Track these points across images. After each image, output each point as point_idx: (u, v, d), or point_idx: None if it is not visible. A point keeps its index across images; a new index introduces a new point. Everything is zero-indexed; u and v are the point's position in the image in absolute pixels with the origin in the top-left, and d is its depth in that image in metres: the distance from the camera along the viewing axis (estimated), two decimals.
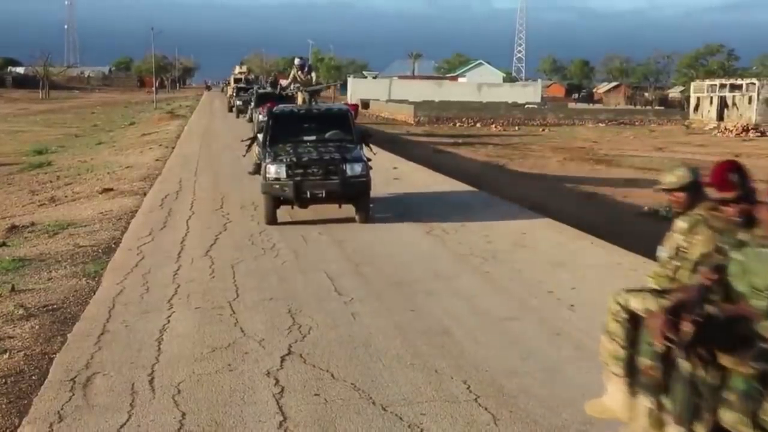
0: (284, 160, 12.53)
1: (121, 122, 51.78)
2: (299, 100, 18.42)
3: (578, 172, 25.70)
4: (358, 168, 12.62)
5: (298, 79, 19.36)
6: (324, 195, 12.51)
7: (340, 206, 13.06)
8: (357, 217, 12.85)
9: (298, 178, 12.38)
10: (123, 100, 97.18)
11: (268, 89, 34.80)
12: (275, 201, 12.65)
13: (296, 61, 19.87)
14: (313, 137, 13.51)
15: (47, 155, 30.21)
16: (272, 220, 12.73)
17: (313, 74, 19.98)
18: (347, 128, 13.82)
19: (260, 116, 24.51)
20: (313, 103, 16.41)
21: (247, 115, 36.54)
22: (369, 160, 13.43)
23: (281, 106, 15.21)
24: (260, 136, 14.01)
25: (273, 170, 12.46)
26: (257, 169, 14.22)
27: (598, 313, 6.02)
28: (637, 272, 8.86)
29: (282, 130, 13.56)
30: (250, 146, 15.68)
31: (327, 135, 13.61)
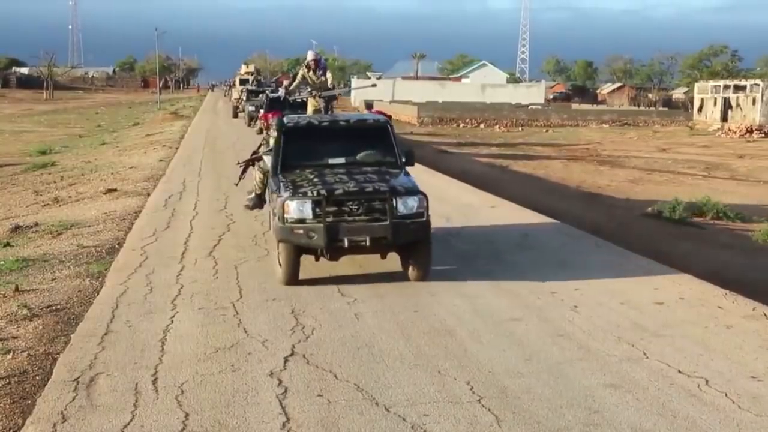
0: (309, 193, 8.94)
1: (124, 122, 51.84)
2: (309, 109, 14.11)
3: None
4: (413, 203, 9.01)
5: (309, 80, 14.58)
6: (368, 243, 8.87)
7: (384, 256, 9.56)
8: (410, 273, 9.26)
9: (331, 219, 8.84)
10: (127, 100, 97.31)
11: (281, 93, 30.90)
12: (297, 251, 9.07)
13: (309, 54, 15.10)
14: (342, 159, 9.92)
15: (51, 155, 30.25)
16: (293, 278, 9.08)
17: (329, 75, 14.87)
18: (388, 146, 10.16)
19: (261, 125, 21.58)
20: (330, 113, 13.16)
21: (257, 124, 29.99)
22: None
23: (293, 116, 11.05)
24: (267, 159, 10.41)
25: (294, 208, 8.87)
26: (258, 203, 11.26)
27: None
28: None
29: (298, 149, 9.99)
30: (245, 170, 12.07)
31: (360, 156, 10.04)
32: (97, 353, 6.91)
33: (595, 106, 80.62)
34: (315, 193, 8.92)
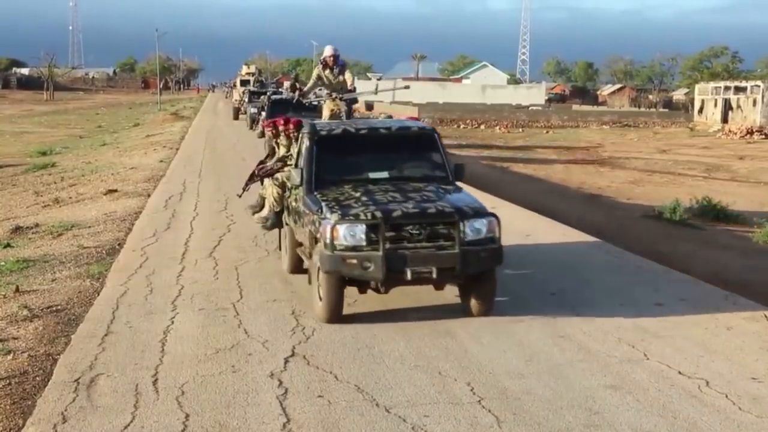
0: (362, 215, 7.57)
1: (125, 123, 51.85)
2: (325, 114, 12.32)
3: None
4: (482, 226, 7.73)
5: (326, 80, 12.69)
6: (435, 274, 7.52)
7: (441, 288, 8.25)
8: (472, 306, 7.95)
9: (390, 246, 7.51)
10: (127, 101, 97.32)
11: (287, 95, 28.31)
12: (342, 283, 7.73)
13: (327, 50, 12.89)
14: (385, 173, 8.69)
15: (51, 156, 30.25)
16: (337, 314, 7.77)
17: (348, 74, 12.80)
18: (436, 158, 8.95)
19: (263, 128, 20.28)
20: (346, 117, 11.48)
21: (258, 128, 29.28)
22: None
23: (324, 123, 9.97)
24: (295, 173, 8.69)
25: (345, 234, 7.51)
26: (277, 221, 10.09)
27: None
28: None
29: (334, 161, 8.72)
30: (251, 181, 10.70)
31: (405, 170, 8.85)
32: (98, 354, 6.91)
33: (595, 107, 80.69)
34: (369, 215, 7.54)
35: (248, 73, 56.05)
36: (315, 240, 7.95)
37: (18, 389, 6.20)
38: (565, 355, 6.87)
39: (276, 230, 10.41)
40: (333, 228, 7.52)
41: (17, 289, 9.15)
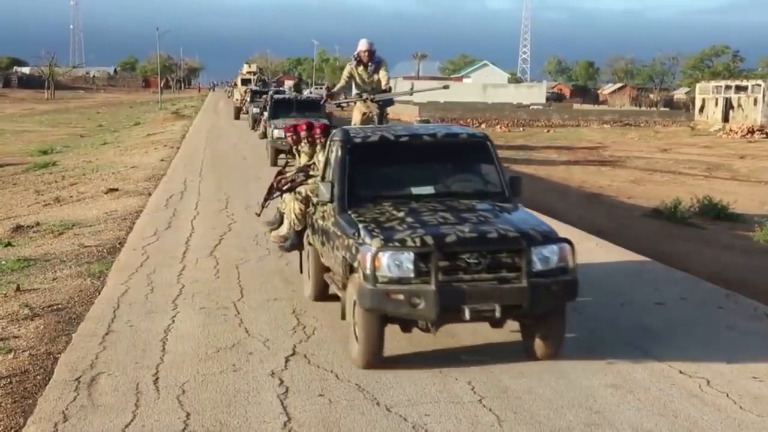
0: (410, 241, 6.31)
1: (126, 122, 51.86)
2: (356, 117, 10.79)
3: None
4: (553, 254, 6.47)
5: (358, 78, 10.89)
6: (498, 312, 6.26)
7: (501, 326, 6.84)
8: (537, 348, 6.71)
9: (444, 279, 6.23)
10: (128, 100, 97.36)
11: (290, 94, 28.46)
12: (383, 321, 6.48)
13: (361, 44, 10.88)
14: (430, 188, 7.43)
15: (52, 155, 30.29)
16: (376, 357, 6.53)
17: (383, 72, 10.82)
18: (490, 171, 7.70)
19: (275, 130, 20.67)
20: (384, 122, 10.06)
21: (260, 129, 28.60)
22: None
23: (356, 129, 8.52)
24: (324, 188, 7.32)
25: (389, 263, 6.25)
26: (298, 242, 8.95)
27: None
28: None
29: (371, 174, 7.53)
30: (270, 195, 9.37)
31: (453, 185, 7.59)
32: (99, 353, 6.91)
33: (596, 106, 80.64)
34: (418, 240, 6.29)
35: (249, 72, 55.31)
36: (350, 268, 6.68)
37: (19, 388, 6.21)
38: (565, 354, 6.86)
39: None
40: (375, 256, 6.24)
41: (18, 288, 9.16)
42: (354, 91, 10.98)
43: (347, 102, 11.10)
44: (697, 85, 63.24)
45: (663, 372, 6.43)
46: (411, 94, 12.44)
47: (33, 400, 5.96)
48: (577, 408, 5.73)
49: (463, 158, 7.85)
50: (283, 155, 20.66)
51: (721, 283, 9.60)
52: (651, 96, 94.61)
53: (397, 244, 6.28)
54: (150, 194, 16.94)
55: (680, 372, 6.43)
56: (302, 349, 6.97)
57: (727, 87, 56.03)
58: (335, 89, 11.74)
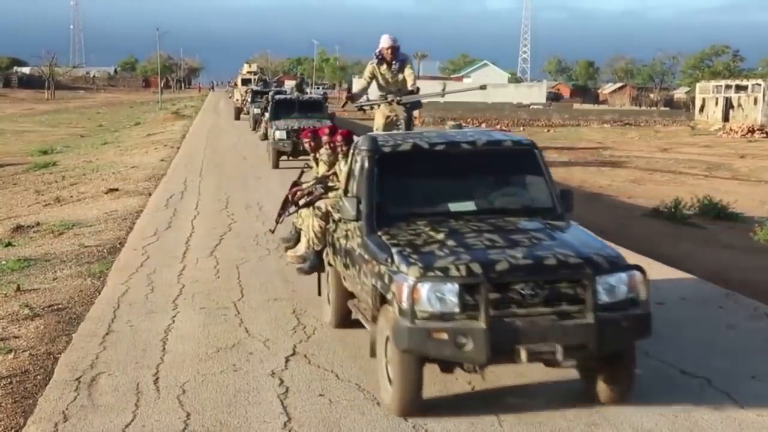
0: (454, 269, 5.39)
1: (126, 122, 51.85)
2: (379, 121, 9.80)
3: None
4: (622, 283, 5.52)
5: (381, 78, 10.06)
6: (560, 354, 5.29)
7: (558, 364, 5.50)
8: (601, 393, 5.75)
9: (495, 314, 5.28)
10: (128, 100, 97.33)
11: (292, 94, 27.59)
12: (421, 363, 5.53)
13: (383, 40, 10.00)
14: (471, 204, 6.51)
15: (52, 155, 30.30)
16: (414, 403, 5.57)
17: (408, 71, 10.04)
18: (538, 183, 6.72)
19: (277, 132, 20.69)
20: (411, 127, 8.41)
21: (260, 130, 27.85)
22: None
23: (383, 136, 7.28)
24: (345, 201, 6.52)
25: (428, 295, 5.32)
26: (318, 263, 8.02)
27: None
28: None
29: (404, 189, 6.67)
30: (284, 208, 8.75)
31: (497, 200, 6.66)
32: (99, 353, 6.92)
33: (596, 105, 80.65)
34: (464, 269, 5.35)
35: (249, 72, 54.87)
36: (381, 299, 5.78)
37: (19, 388, 6.21)
38: None
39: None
40: (413, 288, 5.28)
41: (18, 288, 9.16)
42: (370, 94, 10.02)
43: (371, 104, 9.75)
44: (697, 85, 63.27)
45: (663, 371, 6.43)
46: (443, 96, 11.63)
47: (33, 400, 5.96)
48: (578, 407, 5.72)
49: (508, 169, 6.88)
50: (285, 157, 20.62)
51: (721, 282, 9.60)
52: (651, 96, 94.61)
53: (439, 273, 5.35)
54: (150, 194, 16.94)
55: (681, 371, 6.42)
56: (302, 349, 6.97)
57: (727, 86, 56.04)
58: (356, 91, 10.54)
